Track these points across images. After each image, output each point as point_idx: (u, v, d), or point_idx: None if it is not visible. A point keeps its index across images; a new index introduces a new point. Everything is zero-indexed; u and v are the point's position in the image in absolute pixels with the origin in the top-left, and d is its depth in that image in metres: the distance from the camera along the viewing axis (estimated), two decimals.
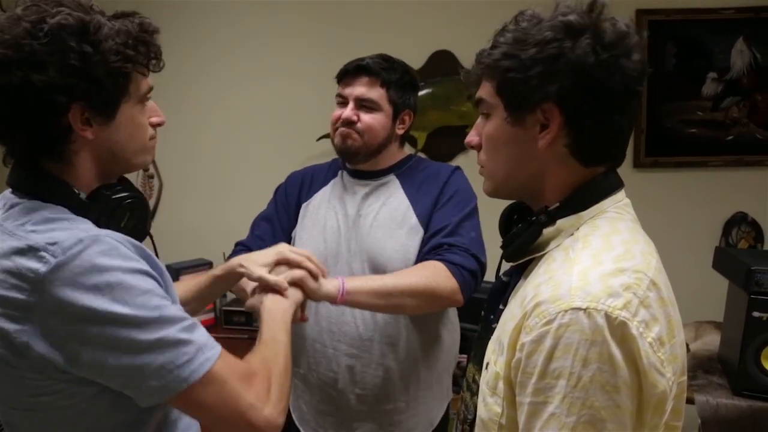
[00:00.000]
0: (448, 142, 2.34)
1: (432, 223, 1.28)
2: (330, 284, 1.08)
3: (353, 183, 1.37)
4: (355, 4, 2.31)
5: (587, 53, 0.66)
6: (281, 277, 1.01)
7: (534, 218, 0.73)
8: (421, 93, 2.27)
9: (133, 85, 0.79)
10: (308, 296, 1.05)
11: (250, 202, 2.47)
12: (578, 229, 0.71)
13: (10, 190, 0.81)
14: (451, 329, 1.40)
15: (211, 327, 2.23)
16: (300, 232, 1.37)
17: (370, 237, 1.29)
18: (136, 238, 0.82)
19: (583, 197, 0.72)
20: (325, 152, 2.43)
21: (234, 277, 1.08)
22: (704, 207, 2.33)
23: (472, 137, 0.79)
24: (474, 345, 0.84)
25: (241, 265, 1.05)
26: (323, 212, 1.36)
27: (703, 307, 2.23)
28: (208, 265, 2.30)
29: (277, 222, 1.39)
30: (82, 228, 0.73)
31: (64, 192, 0.77)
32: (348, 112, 1.30)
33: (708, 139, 2.32)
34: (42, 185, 0.78)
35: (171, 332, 0.71)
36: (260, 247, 1.30)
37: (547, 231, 0.73)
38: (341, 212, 1.34)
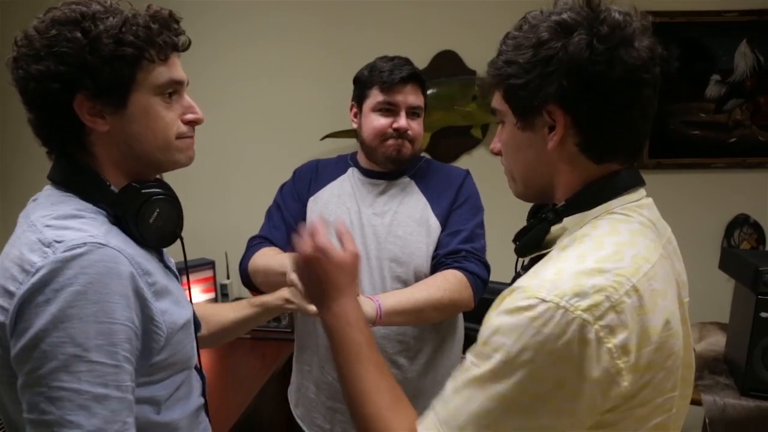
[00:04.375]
0: (451, 142, 2.34)
1: (449, 223, 1.31)
2: (368, 306, 1.08)
3: (367, 182, 1.37)
4: (359, 4, 2.31)
5: (581, 49, 0.66)
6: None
7: (543, 215, 0.74)
8: None
9: (143, 72, 0.77)
10: None
11: (252, 201, 2.47)
12: (581, 228, 0.70)
13: (49, 183, 0.82)
14: (458, 327, 1.41)
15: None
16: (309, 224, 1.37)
17: (391, 235, 1.30)
18: (163, 239, 0.83)
19: (588, 196, 0.71)
20: (328, 152, 2.43)
21: (281, 311, 1.15)
22: (707, 209, 2.33)
23: (494, 144, 0.80)
24: None
25: (290, 301, 1.10)
26: (333, 207, 1.35)
27: (707, 308, 2.23)
28: (210, 264, 2.30)
29: (290, 213, 1.37)
30: (92, 231, 0.73)
31: (94, 182, 0.78)
32: (404, 121, 1.30)
33: (711, 141, 2.32)
34: (74, 176, 0.79)
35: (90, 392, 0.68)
36: (278, 238, 1.33)
37: (555, 228, 0.73)
38: (354, 209, 1.34)
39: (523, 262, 0.80)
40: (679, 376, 0.70)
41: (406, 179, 1.36)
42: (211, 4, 2.33)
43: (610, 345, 0.61)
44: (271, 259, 1.25)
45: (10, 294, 0.70)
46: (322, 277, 0.84)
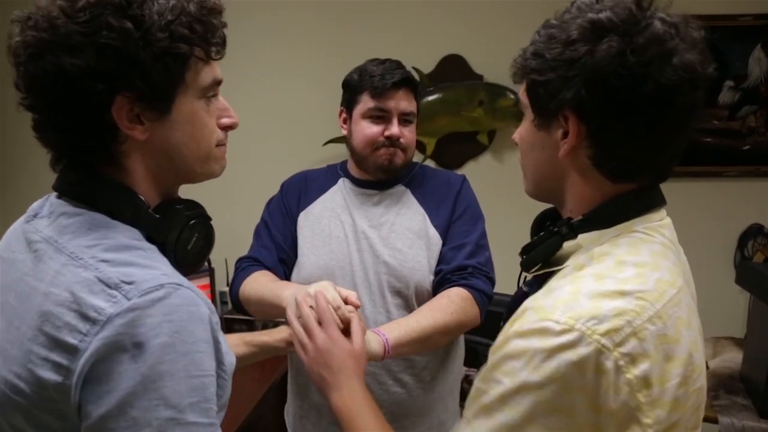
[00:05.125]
0: (457, 148, 2.29)
1: (451, 236, 1.26)
2: (374, 343, 1.01)
3: (359, 192, 1.31)
4: (364, 7, 2.28)
5: (609, 58, 0.59)
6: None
7: (556, 229, 0.68)
8: (430, 98, 2.26)
9: (191, 73, 0.65)
10: None
11: (253, 206, 2.42)
12: (599, 246, 0.65)
13: (55, 195, 0.68)
14: (459, 341, 1.37)
15: None
16: (300, 242, 1.29)
17: (389, 248, 1.24)
18: (198, 267, 0.73)
19: (608, 213, 0.66)
20: (332, 157, 2.38)
21: (280, 353, 1.09)
22: (719, 218, 2.27)
23: (515, 135, 0.76)
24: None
25: (291, 344, 1.01)
26: (326, 222, 1.29)
27: (720, 322, 2.17)
28: (208, 271, 2.26)
29: (278, 231, 1.31)
30: (161, 268, 0.62)
31: (132, 203, 0.65)
32: (397, 129, 1.23)
33: (724, 149, 2.26)
34: (105, 193, 0.65)
35: None
36: (268, 258, 1.26)
37: (568, 245, 0.67)
38: (348, 222, 1.28)
39: (526, 277, 0.75)
40: (702, 412, 0.65)
41: (401, 188, 1.31)
42: None
43: (630, 376, 0.56)
44: (263, 287, 1.18)
45: (69, 348, 0.58)
46: (333, 365, 0.81)
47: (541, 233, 0.70)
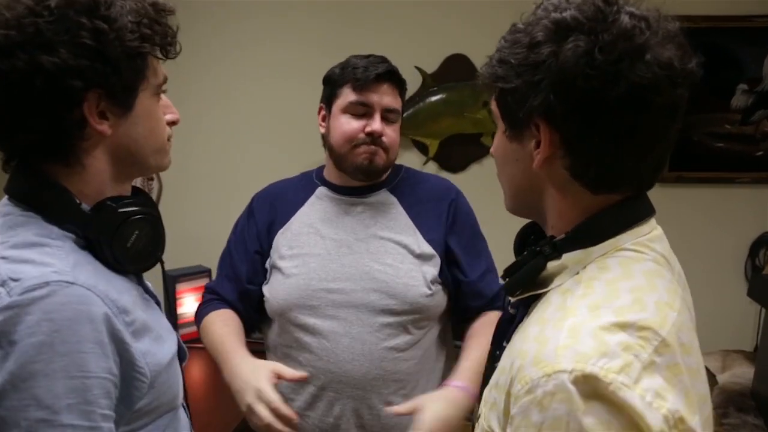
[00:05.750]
0: (461, 150, 2.24)
1: (471, 264, 1.22)
2: (464, 401, 1.03)
3: (340, 201, 1.21)
4: (366, 6, 2.23)
5: (575, 58, 0.55)
6: None
7: (538, 248, 0.63)
8: (434, 99, 2.21)
9: (150, 70, 0.70)
10: None
11: None
12: (585, 267, 0.60)
13: (6, 197, 0.70)
14: (449, 355, 1.30)
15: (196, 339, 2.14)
16: (279, 263, 1.20)
17: (379, 263, 1.16)
18: (144, 264, 0.73)
19: (592, 230, 0.61)
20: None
21: None
22: (730, 226, 2.21)
23: (492, 147, 0.72)
24: (483, 379, 0.75)
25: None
26: (304, 239, 1.19)
27: (729, 334, 2.11)
28: (207, 272, 2.22)
29: (240, 260, 1.23)
30: (56, 265, 0.62)
31: (62, 201, 0.67)
32: (379, 125, 1.14)
33: (736, 154, 2.20)
34: (38, 192, 0.67)
35: None
36: (227, 292, 1.22)
37: (552, 265, 0.62)
38: (330, 236, 1.19)
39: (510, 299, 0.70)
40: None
41: (386, 195, 1.22)
42: (212, 5, 2.26)
43: (663, 411, 0.50)
44: (215, 338, 1.16)
45: None
46: None
47: (524, 252, 0.64)
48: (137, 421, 0.68)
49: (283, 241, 1.21)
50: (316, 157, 2.27)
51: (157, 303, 0.80)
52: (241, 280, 1.22)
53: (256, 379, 1.02)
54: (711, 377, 1.67)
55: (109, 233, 0.68)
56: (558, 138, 0.59)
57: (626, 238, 0.60)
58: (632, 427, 0.50)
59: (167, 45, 0.71)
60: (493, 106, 0.66)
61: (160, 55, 0.71)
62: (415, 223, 1.20)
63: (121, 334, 0.63)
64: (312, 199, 1.23)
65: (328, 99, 1.21)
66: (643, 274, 0.58)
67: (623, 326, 0.53)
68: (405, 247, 1.18)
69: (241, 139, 2.35)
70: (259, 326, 1.29)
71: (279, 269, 1.19)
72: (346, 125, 1.16)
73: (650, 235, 0.62)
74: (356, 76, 1.15)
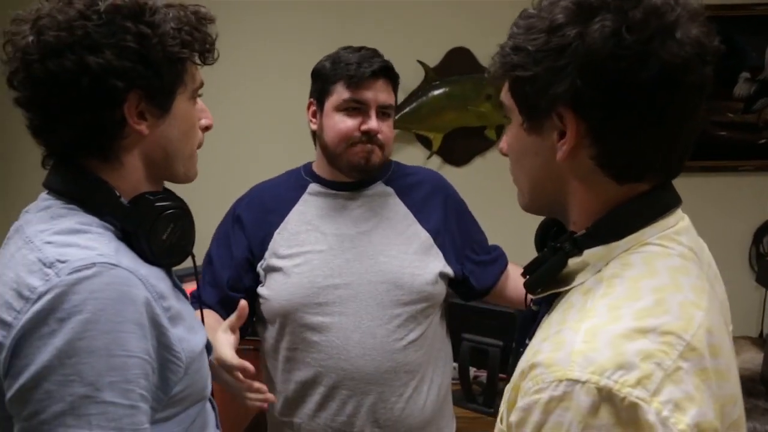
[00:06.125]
0: (464, 144, 2.25)
1: (474, 246, 1.29)
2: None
3: (336, 196, 1.19)
4: (367, 1, 2.23)
5: (603, 40, 0.52)
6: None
7: (559, 245, 0.61)
8: (436, 92, 2.22)
9: (188, 75, 0.74)
10: None
11: None
12: (607, 264, 0.58)
13: (45, 192, 0.73)
14: (448, 343, 1.32)
15: None
16: (277, 263, 1.17)
17: (384, 255, 1.16)
18: (176, 257, 0.76)
19: (615, 224, 0.58)
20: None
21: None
22: (734, 213, 2.22)
23: (502, 144, 0.68)
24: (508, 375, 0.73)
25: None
26: (303, 236, 1.17)
27: (735, 320, 2.11)
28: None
29: (223, 267, 1.20)
30: (104, 248, 0.65)
31: (102, 193, 0.70)
32: (375, 122, 1.12)
33: (739, 143, 2.20)
34: (80, 185, 0.70)
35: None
36: (210, 299, 1.19)
37: (573, 262, 0.60)
38: (331, 232, 1.17)
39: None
40: None
41: (382, 187, 1.21)
42: (212, 4, 2.27)
43: (681, 426, 0.47)
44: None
45: (5, 325, 0.61)
46: None
47: (545, 249, 0.62)
48: (170, 408, 0.70)
49: (281, 241, 1.18)
50: (310, 155, 2.29)
51: (187, 298, 0.82)
52: (222, 287, 1.19)
53: (215, 351, 0.98)
54: None
55: (147, 226, 0.71)
56: (584, 127, 0.56)
57: (651, 232, 0.58)
58: None
59: (206, 51, 0.74)
60: (506, 98, 0.63)
61: (198, 61, 0.74)
62: (413, 213, 1.20)
63: (160, 318, 0.66)
64: (305, 196, 1.21)
65: (319, 95, 1.18)
66: (667, 272, 0.55)
67: (644, 332, 0.50)
68: (407, 237, 1.18)
69: (243, 139, 2.36)
70: (247, 330, 1.23)
71: (278, 269, 1.16)
72: (341, 124, 1.14)
73: (677, 227, 0.60)
74: (350, 73, 1.12)
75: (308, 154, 2.26)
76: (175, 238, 0.73)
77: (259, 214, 1.21)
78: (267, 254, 1.18)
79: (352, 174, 1.17)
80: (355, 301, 1.14)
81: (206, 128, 0.80)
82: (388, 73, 1.16)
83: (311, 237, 1.17)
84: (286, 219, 1.19)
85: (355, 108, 1.13)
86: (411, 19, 2.22)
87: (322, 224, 1.18)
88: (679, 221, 0.61)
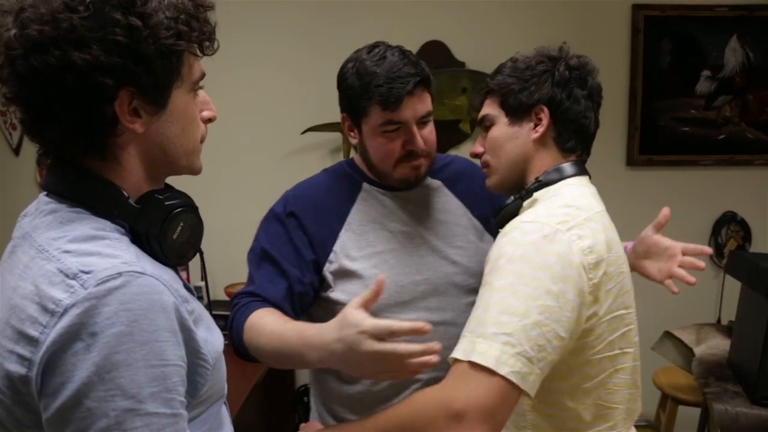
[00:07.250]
0: (439, 137, 2.24)
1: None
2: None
3: (394, 196, 1.16)
4: None
5: (565, 70, 0.96)
6: None
7: (518, 196, 0.98)
8: None
9: (186, 67, 0.68)
10: None
11: (230, 198, 2.39)
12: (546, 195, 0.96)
13: (44, 193, 0.69)
14: None
15: None
16: (350, 265, 1.12)
17: (452, 247, 1.15)
18: (186, 255, 0.72)
19: (556, 174, 0.95)
20: (309, 146, 2.35)
21: None
22: (695, 205, 2.32)
23: (477, 148, 1.03)
24: None
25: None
26: (372, 236, 1.13)
27: (696, 308, 2.22)
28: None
29: (289, 262, 1.12)
30: (123, 257, 0.62)
31: (111, 195, 0.66)
32: (419, 140, 1.06)
33: (700, 138, 2.31)
34: (84, 187, 0.66)
35: None
36: (275, 294, 1.08)
37: (527, 203, 0.96)
38: (399, 229, 1.14)
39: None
40: (632, 298, 0.91)
41: (431, 181, 1.19)
42: None
43: (581, 245, 0.84)
44: (276, 338, 1.00)
45: (31, 340, 0.58)
46: None
47: (511, 199, 0.99)
48: (194, 409, 0.68)
49: (349, 241, 1.13)
50: (293, 147, 2.29)
51: (195, 295, 0.79)
52: (292, 281, 1.11)
53: (349, 325, 0.85)
54: (688, 350, 1.76)
55: (158, 226, 0.68)
56: (552, 118, 0.95)
57: (570, 181, 0.94)
58: (560, 252, 0.83)
59: (204, 41, 0.69)
60: (490, 109, 1.00)
61: (196, 52, 0.69)
62: (464, 203, 1.20)
63: (188, 322, 0.64)
64: (362, 194, 1.16)
65: (353, 112, 1.11)
66: (579, 189, 0.93)
67: (566, 205, 0.89)
68: (464, 227, 1.18)
69: (216, 129, 2.34)
70: None
71: (352, 272, 1.12)
72: (384, 147, 1.09)
73: (584, 180, 0.97)
74: (382, 96, 1.04)
75: (285, 146, 2.26)
76: (185, 236, 0.71)
77: (316, 213, 1.14)
78: (333, 256, 1.13)
79: (402, 186, 1.14)
80: (436, 295, 1.13)
81: (209, 120, 0.75)
82: (423, 84, 1.07)
83: (381, 236, 1.13)
84: (348, 219, 1.15)
85: (394, 129, 1.08)
86: (386, 12, 2.23)
87: (388, 223, 1.14)
88: (586, 182, 0.97)
